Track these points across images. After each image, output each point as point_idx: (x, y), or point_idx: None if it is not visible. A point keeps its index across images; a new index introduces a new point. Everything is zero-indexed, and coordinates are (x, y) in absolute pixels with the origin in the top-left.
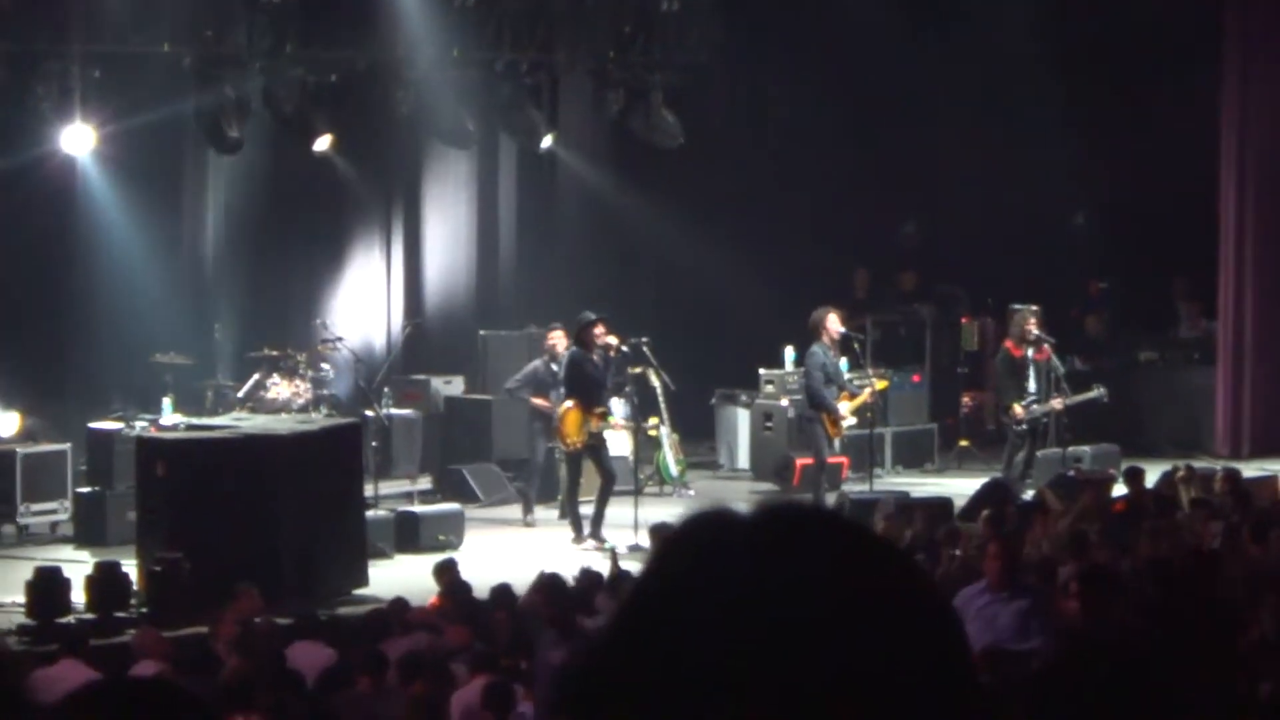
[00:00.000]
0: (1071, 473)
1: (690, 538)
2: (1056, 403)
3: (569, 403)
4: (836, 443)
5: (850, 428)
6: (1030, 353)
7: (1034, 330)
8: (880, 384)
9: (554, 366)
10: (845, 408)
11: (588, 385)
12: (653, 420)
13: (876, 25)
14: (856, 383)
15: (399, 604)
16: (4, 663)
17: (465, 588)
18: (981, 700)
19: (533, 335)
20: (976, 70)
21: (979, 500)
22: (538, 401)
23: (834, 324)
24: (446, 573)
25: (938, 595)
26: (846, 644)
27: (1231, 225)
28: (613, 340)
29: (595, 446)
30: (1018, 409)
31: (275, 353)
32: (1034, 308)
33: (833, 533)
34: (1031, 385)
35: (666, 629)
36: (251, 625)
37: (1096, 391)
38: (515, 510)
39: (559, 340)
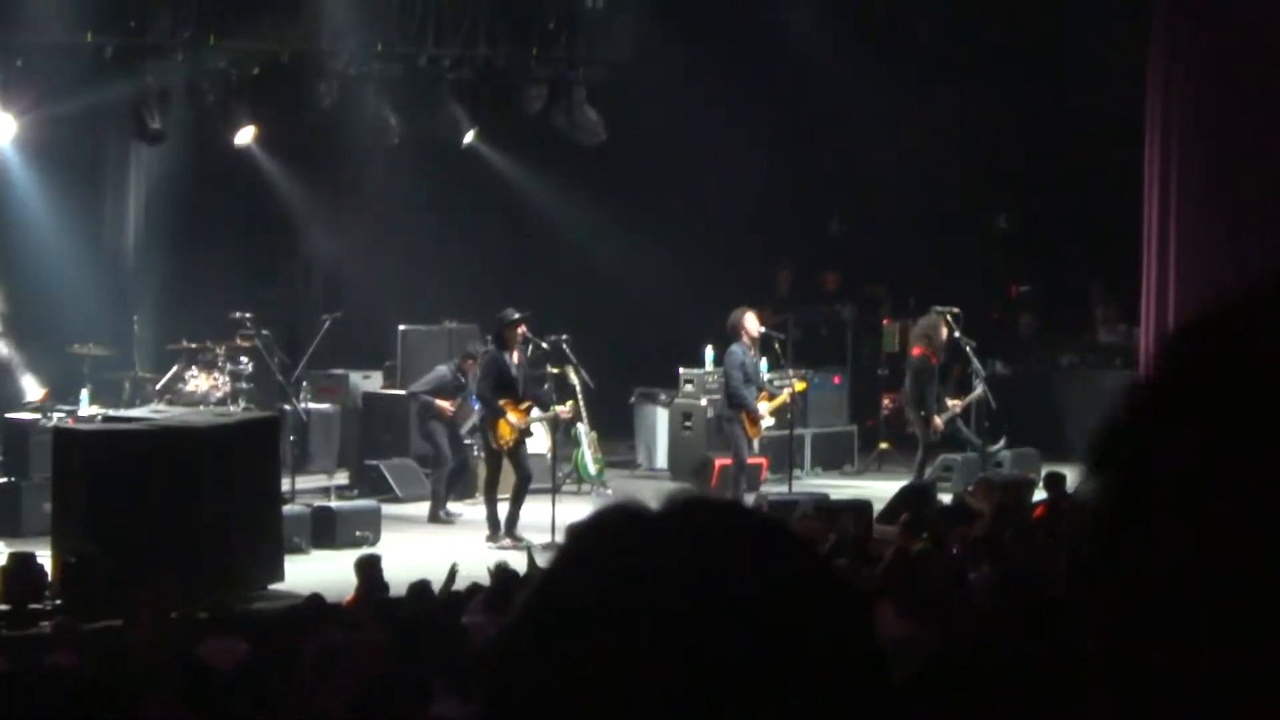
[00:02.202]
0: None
1: (594, 528)
2: (956, 404)
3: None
4: (756, 444)
5: (769, 429)
6: (942, 358)
7: (949, 335)
8: (799, 385)
9: (461, 378)
10: (764, 408)
11: (508, 384)
12: (567, 404)
13: (802, 24)
14: (776, 383)
15: (315, 600)
16: None
17: (382, 585)
18: (888, 691)
19: (451, 331)
20: (900, 69)
21: (898, 504)
22: (440, 403)
23: (752, 324)
24: (367, 568)
25: (844, 585)
26: (745, 630)
27: (1154, 229)
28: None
29: (515, 446)
30: (938, 421)
31: (194, 345)
32: (954, 310)
33: (738, 522)
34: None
35: (565, 616)
36: (165, 619)
37: (979, 390)
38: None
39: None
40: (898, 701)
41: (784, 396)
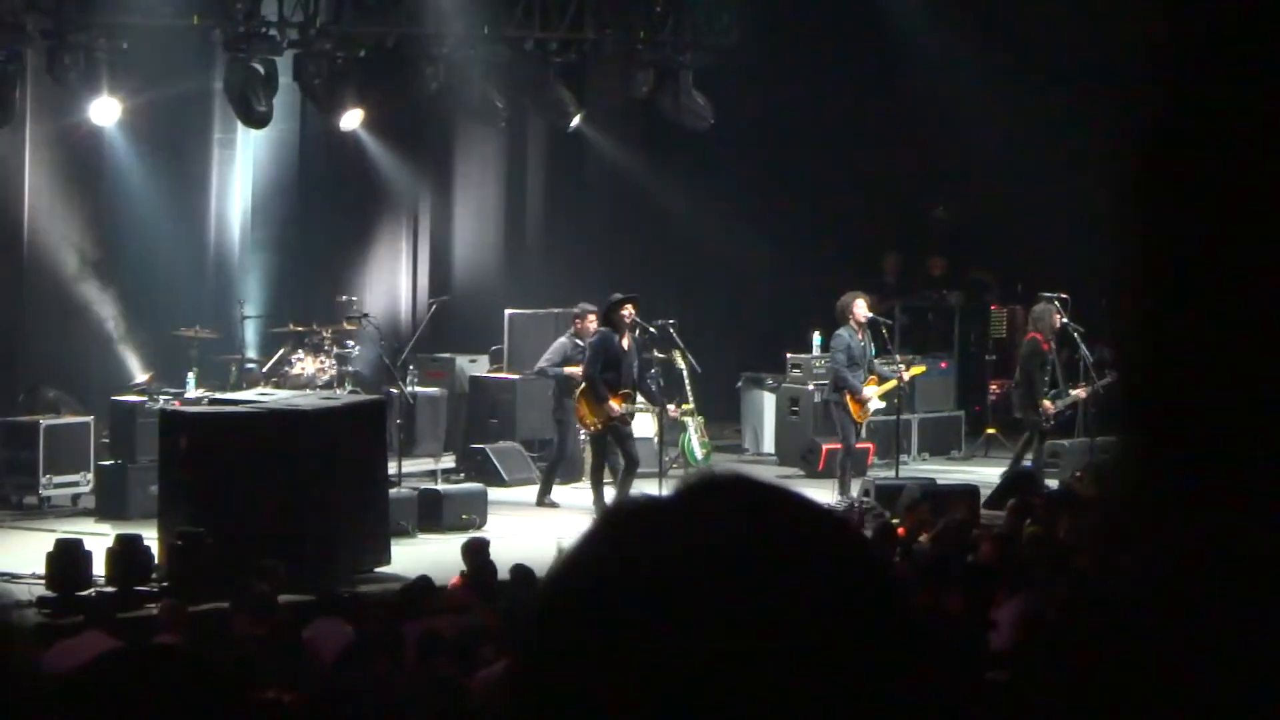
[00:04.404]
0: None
1: (612, 515)
2: (1081, 391)
3: (583, 384)
4: (863, 429)
5: (877, 413)
6: (1053, 345)
7: (1059, 321)
8: (914, 370)
9: (579, 342)
10: (872, 391)
11: (613, 365)
12: (678, 405)
13: (908, 9)
14: (888, 369)
15: (421, 582)
16: (9, 632)
17: (490, 568)
18: (919, 658)
19: (558, 315)
20: (1009, 53)
21: (1005, 489)
22: (570, 370)
23: (861, 309)
24: (474, 552)
25: (864, 550)
26: (756, 600)
27: None
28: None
29: (620, 430)
30: (1048, 404)
31: (300, 328)
32: (1062, 296)
33: (751, 494)
34: (1049, 379)
35: (576, 597)
36: (272, 602)
37: (1112, 376)
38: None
39: (591, 323)
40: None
41: (894, 381)
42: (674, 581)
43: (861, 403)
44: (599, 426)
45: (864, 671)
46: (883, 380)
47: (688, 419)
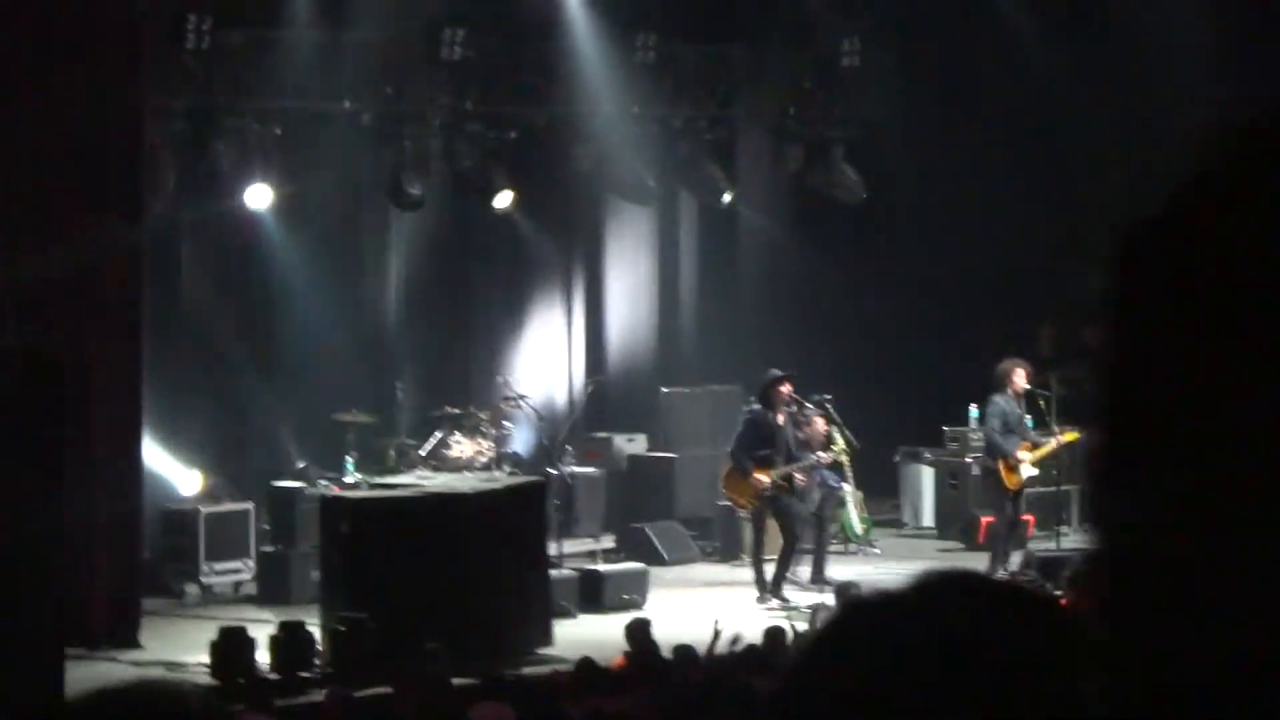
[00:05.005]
0: None
1: (848, 612)
2: None
3: (730, 465)
4: (1023, 502)
5: (1034, 483)
6: None
7: None
8: (1069, 435)
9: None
10: (1027, 457)
11: (768, 443)
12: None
13: (1057, 80)
14: (1043, 438)
15: (585, 664)
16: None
17: (653, 648)
18: None
19: (714, 393)
20: (1159, 120)
21: None
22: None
23: (1020, 378)
24: (638, 633)
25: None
26: (989, 695)
27: None
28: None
29: (779, 504)
30: None
31: (457, 411)
32: None
33: (983, 590)
34: None
35: (822, 694)
36: (435, 686)
37: None
38: (700, 569)
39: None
40: None
41: (1051, 445)
42: (911, 672)
43: (1013, 467)
44: (755, 503)
45: None
46: (1036, 447)
47: (847, 494)
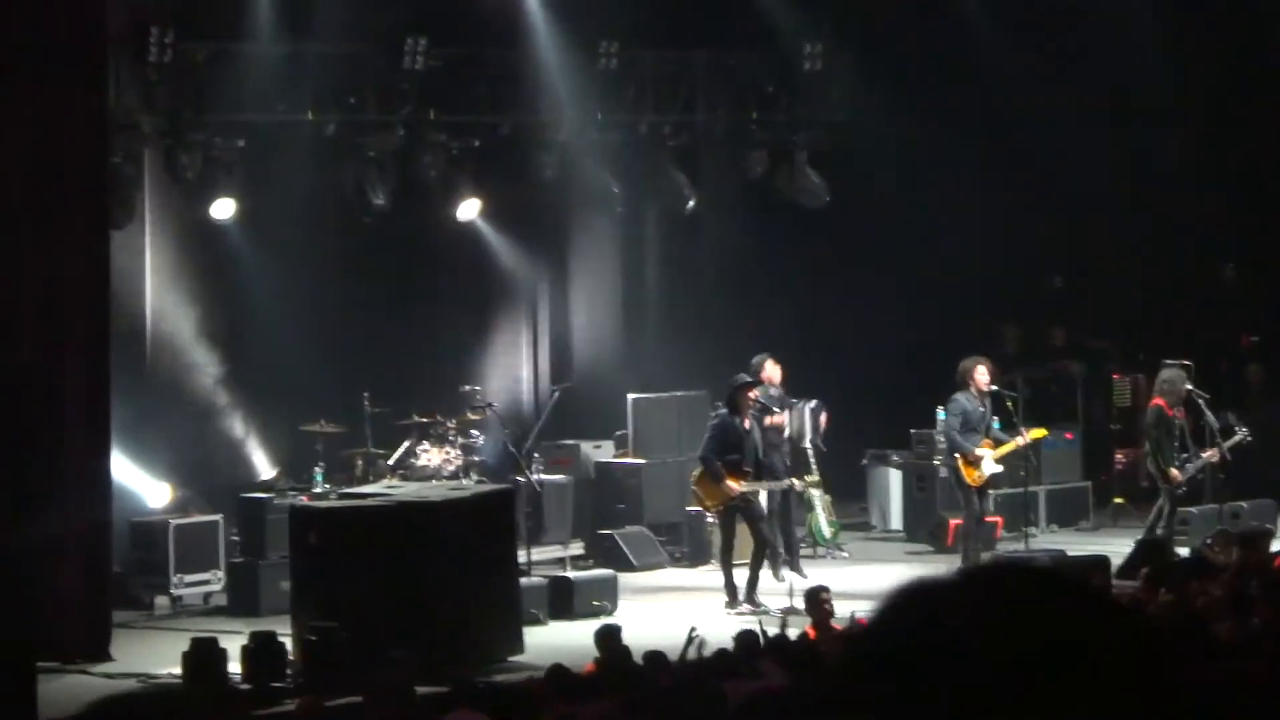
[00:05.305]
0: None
1: (908, 594)
2: (1211, 454)
3: (699, 468)
4: (991, 502)
5: (1002, 483)
6: (1178, 411)
7: (1187, 388)
8: (1035, 433)
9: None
10: (989, 453)
11: (736, 448)
12: (805, 479)
13: (1018, 81)
14: (1007, 435)
15: (556, 670)
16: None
17: (624, 654)
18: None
19: (680, 398)
20: (1119, 124)
21: (1137, 558)
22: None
23: (982, 375)
24: (609, 639)
25: (1144, 634)
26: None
27: None
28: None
29: (747, 510)
30: (1176, 473)
31: (425, 420)
32: (1186, 363)
33: (1032, 582)
34: (1179, 444)
35: (876, 667)
36: (407, 693)
37: (1240, 433)
38: (668, 574)
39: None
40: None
41: (1013, 443)
42: (958, 653)
43: (974, 464)
44: (721, 508)
45: None
46: (999, 444)
47: (814, 497)
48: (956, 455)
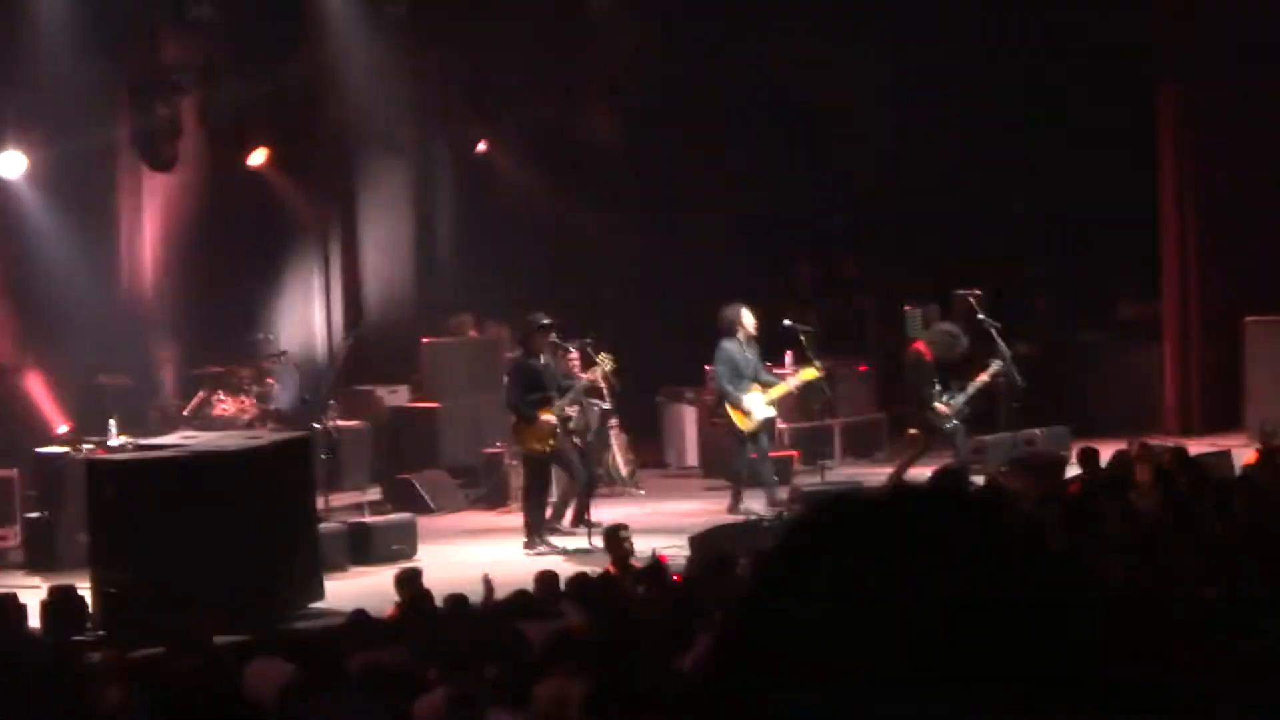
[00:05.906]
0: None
1: (814, 520)
2: (983, 377)
3: (513, 417)
4: (772, 439)
5: (799, 418)
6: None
7: (959, 351)
8: (804, 374)
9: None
10: (761, 398)
11: (538, 387)
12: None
13: (800, 21)
14: (775, 377)
15: (358, 616)
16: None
17: (425, 597)
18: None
19: (475, 342)
20: (907, 56)
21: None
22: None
23: (749, 319)
24: (409, 583)
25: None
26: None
27: (1172, 201)
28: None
29: (563, 454)
30: (942, 407)
31: (219, 369)
32: (976, 293)
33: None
34: (937, 384)
35: (793, 609)
36: (209, 644)
37: (995, 365)
38: (467, 518)
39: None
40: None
41: (784, 386)
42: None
43: (746, 412)
44: (550, 446)
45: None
46: (768, 387)
47: (610, 436)
48: (727, 405)
